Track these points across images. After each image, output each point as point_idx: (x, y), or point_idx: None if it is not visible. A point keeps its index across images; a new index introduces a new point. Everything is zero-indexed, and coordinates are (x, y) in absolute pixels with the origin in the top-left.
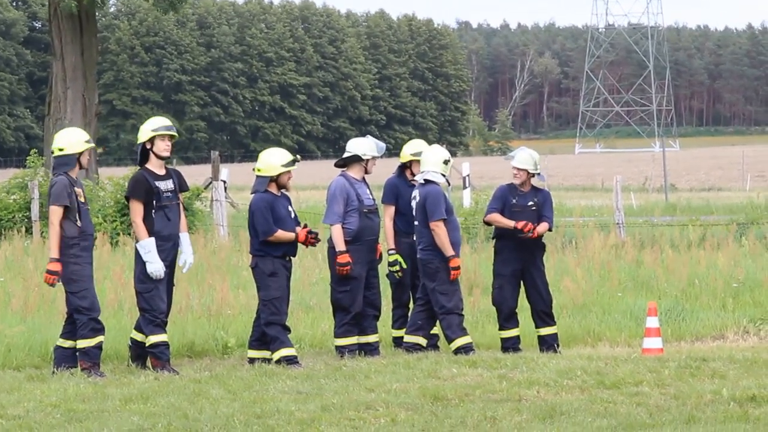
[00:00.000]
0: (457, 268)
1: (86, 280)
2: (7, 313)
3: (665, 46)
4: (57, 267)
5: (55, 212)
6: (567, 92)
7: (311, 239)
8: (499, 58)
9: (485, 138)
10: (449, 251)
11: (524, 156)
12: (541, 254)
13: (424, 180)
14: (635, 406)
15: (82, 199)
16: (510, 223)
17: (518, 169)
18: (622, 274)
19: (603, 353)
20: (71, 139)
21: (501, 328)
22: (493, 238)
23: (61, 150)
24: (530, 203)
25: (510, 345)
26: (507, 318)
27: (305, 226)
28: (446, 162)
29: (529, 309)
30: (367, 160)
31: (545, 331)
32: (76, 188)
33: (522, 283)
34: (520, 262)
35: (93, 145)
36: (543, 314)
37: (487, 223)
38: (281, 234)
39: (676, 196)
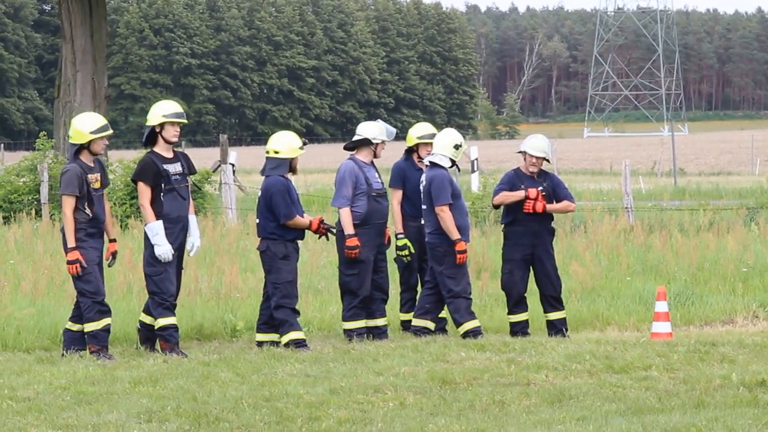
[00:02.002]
0: (463, 251)
1: (90, 264)
2: (17, 296)
3: (674, 29)
4: (75, 255)
5: (67, 202)
6: (575, 76)
7: (323, 228)
8: (508, 41)
9: (493, 122)
10: (455, 235)
11: (542, 144)
12: (550, 239)
13: (430, 162)
14: (644, 390)
15: (96, 186)
16: (520, 194)
17: (537, 158)
18: (631, 259)
19: (612, 337)
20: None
21: (510, 313)
22: (502, 223)
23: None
24: (540, 188)
25: (519, 329)
26: (516, 303)
27: (322, 221)
28: (457, 147)
29: (537, 293)
30: (377, 144)
31: (554, 315)
32: (89, 175)
33: (531, 268)
34: (529, 247)
35: (109, 131)
36: (552, 299)
37: (496, 206)
38: (299, 219)
39: (685, 180)
